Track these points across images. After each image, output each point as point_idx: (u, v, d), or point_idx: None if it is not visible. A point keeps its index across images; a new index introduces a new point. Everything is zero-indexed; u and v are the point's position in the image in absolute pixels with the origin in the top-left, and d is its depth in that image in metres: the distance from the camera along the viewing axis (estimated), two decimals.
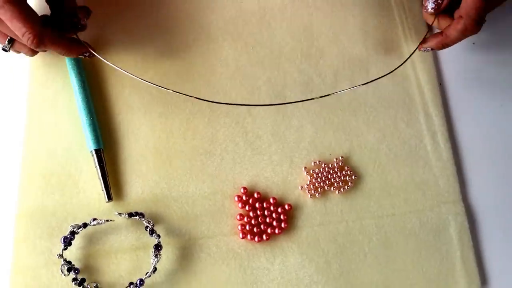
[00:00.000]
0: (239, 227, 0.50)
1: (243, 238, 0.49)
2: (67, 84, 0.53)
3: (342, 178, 0.52)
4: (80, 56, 0.51)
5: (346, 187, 0.51)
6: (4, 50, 0.49)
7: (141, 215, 0.48)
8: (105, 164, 0.50)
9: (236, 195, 0.51)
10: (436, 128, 0.54)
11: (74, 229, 0.47)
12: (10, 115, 0.53)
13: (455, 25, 0.49)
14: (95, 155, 0.50)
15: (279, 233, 0.50)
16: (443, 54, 0.58)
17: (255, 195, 0.51)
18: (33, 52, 0.50)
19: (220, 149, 0.52)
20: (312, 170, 0.52)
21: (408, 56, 0.53)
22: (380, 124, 0.54)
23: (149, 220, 0.48)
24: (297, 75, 0.55)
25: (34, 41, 0.45)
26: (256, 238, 0.49)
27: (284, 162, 0.52)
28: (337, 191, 0.51)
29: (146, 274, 0.47)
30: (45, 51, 0.50)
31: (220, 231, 0.50)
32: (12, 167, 0.51)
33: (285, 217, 0.50)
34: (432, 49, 0.53)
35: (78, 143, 0.51)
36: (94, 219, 0.47)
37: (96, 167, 0.50)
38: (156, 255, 0.47)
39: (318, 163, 0.52)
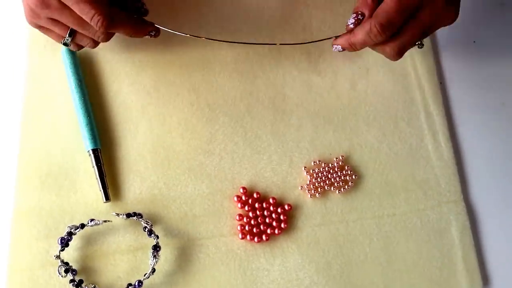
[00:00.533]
0: (239, 228, 0.49)
1: (242, 238, 0.49)
2: (64, 83, 0.52)
3: (342, 177, 0.51)
4: (146, 36, 0.49)
5: (346, 186, 0.51)
6: (65, 44, 0.47)
7: (139, 215, 0.48)
8: (103, 164, 0.49)
9: (235, 195, 0.50)
10: (437, 127, 0.54)
11: (72, 230, 0.46)
12: (6, 114, 0.52)
13: (363, 24, 0.46)
14: (92, 155, 0.49)
15: (279, 233, 0.49)
16: (444, 52, 0.57)
17: (255, 195, 0.50)
18: (95, 43, 0.48)
19: (219, 148, 0.52)
20: (312, 170, 0.51)
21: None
22: (380, 123, 0.54)
23: (147, 220, 0.48)
24: (296, 73, 0.55)
25: (104, 23, 0.43)
26: (255, 239, 0.49)
27: (284, 162, 0.52)
28: (337, 191, 0.51)
29: (144, 275, 0.46)
30: (110, 37, 0.48)
31: (219, 231, 0.49)
32: (8, 167, 0.50)
33: (285, 217, 0.50)
34: (343, 49, 0.48)
35: (75, 142, 0.51)
36: (92, 220, 0.47)
37: (93, 167, 0.49)
38: (154, 256, 0.46)
39: (318, 162, 0.52)
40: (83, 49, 0.51)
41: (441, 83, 0.56)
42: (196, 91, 0.53)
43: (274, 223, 0.49)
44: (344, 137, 0.53)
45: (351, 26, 0.47)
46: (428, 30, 0.46)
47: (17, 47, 0.54)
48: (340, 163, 0.52)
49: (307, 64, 0.55)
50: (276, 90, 0.54)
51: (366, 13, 0.46)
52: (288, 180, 0.51)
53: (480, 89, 0.56)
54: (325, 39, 0.50)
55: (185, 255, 0.48)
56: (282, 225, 0.49)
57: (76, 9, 0.43)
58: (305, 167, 0.51)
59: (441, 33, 0.58)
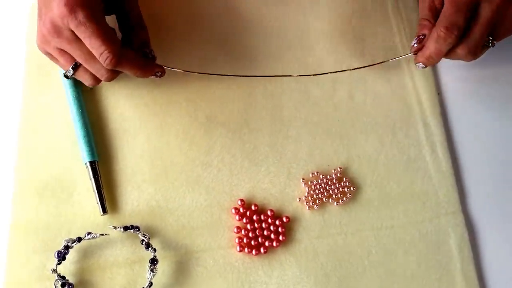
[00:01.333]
0: (237, 240, 0.49)
1: (240, 251, 0.49)
2: (62, 95, 0.52)
3: (341, 189, 0.51)
4: (152, 76, 0.49)
5: (344, 198, 0.51)
6: (65, 76, 0.47)
7: (136, 228, 0.48)
8: (100, 177, 0.49)
9: (233, 208, 0.50)
10: (435, 138, 0.54)
11: (68, 243, 0.46)
12: (3, 126, 0.52)
13: (431, 35, 0.48)
14: (89, 168, 0.49)
15: (277, 246, 0.49)
16: (441, 63, 0.57)
17: (253, 207, 0.50)
18: (95, 82, 0.48)
19: (217, 160, 0.52)
20: (310, 182, 0.51)
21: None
22: (378, 134, 0.54)
23: (144, 233, 0.48)
24: (294, 85, 0.55)
25: (113, 61, 0.44)
26: (253, 251, 0.48)
27: (282, 174, 0.52)
28: (335, 203, 0.51)
29: None
30: (114, 77, 0.47)
31: (217, 244, 0.49)
32: (5, 179, 0.50)
33: (283, 229, 0.49)
34: (425, 66, 0.51)
35: (73, 155, 0.50)
36: (89, 233, 0.46)
37: (90, 179, 0.49)
38: (152, 270, 0.46)
39: (316, 174, 0.52)
40: None
41: (439, 94, 0.56)
42: (194, 102, 0.53)
43: (272, 236, 0.49)
44: (342, 148, 0.53)
45: (415, 45, 0.51)
46: (497, 28, 0.49)
47: (15, 59, 0.54)
48: (338, 175, 0.52)
49: (307, 74, 0.55)
50: (274, 102, 0.54)
51: (427, 33, 0.50)
52: (286, 192, 0.51)
53: (478, 100, 0.56)
54: (398, 58, 0.54)
55: (182, 268, 0.48)
56: (280, 238, 0.49)
57: (87, 42, 0.43)
58: (303, 179, 0.51)
59: None
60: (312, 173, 0.52)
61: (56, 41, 0.45)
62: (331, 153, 0.53)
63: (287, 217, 0.50)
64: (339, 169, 0.52)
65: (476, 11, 0.48)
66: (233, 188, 0.51)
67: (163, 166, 0.51)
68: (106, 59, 0.44)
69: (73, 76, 0.48)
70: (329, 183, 0.51)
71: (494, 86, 0.57)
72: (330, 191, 0.51)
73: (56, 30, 0.44)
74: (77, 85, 0.52)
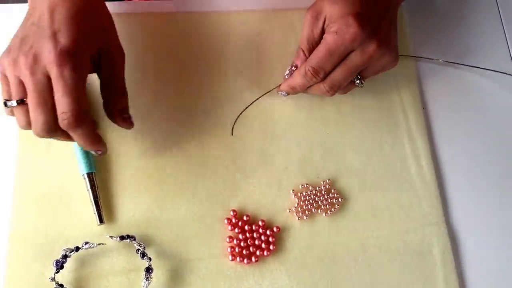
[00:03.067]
0: (229, 249, 0.51)
1: (232, 260, 0.50)
2: None
3: (329, 200, 0.53)
4: (92, 152, 0.48)
5: (332, 209, 0.53)
6: (4, 103, 0.44)
7: (132, 238, 0.49)
8: (97, 188, 0.51)
9: (225, 218, 0.52)
10: (420, 151, 0.56)
11: (67, 253, 0.48)
12: (3, 137, 0.53)
13: (299, 69, 0.50)
14: (87, 179, 0.51)
15: (267, 255, 0.51)
16: (427, 78, 0.60)
17: (245, 218, 0.52)
18: (25, 126, 0.44)
19: (210, 172, 0.53)
20: (300, 193, 0.53)
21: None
22: (365, 147, 0.56)
23: (140, 243, 0.49)
24: (285, 99, 0.57)
25: (71, 124, 0.42)
26: (245, 260, 0.50)
27: (273, 185, 0.54)
28: (324, 214, 0.53)
29: None
30: (50, 136, 0.44)
31: (210, 253, 0.51)
32: (4, 190, 0.51)
33: (274, 239, 0.51)
34: (287, 93, 0.53)
35: (71, 166, 0.52)
36: (86, 243, 0.48)
37: (88, 190, 0.51)
38: (147, 278, 0.48)
39: (305, 186, 0.54)
40: None
41: (424, 108, 0.58)
42: (188, 114, 0.55)
43: (263, 245, 0.51)
44: (330, 161, 0.55)
45: (287, 77, 0.52)
46: (365, 72, 0.51)
47: None
48: (327, 186, 0.54)
49: None
50: (265, 115, 0.56)
51: (299, 65, 0.51)
52: (277, 202, 0.53)
53: (461, 114, 0.59)
54: (271, 90, 0.54)
55: (176, 277, 0.50)
56: (271, 247, 0.51)
57: (58, 96, 0.41)
58: (293, 190, 0.53)
59: (424, 59, 0.60)
60: (302, 185, 0.54)
61: (23, 73, 0.42)
62: (320, 165, 0.55)
63: (277, 227, 0.52)
64: (327, 181, 0.54)
65: (347, 55, 0.48)
66: (225, 199, 0.53)
67: (158, 177, 0.53)
68: (66, 119, 0.42)
69: (9, 108, 0.44)
70: (318, 194, 0.53)
71: (477, 101, 0.59)
72: (319, 202, 0.53)
73: (33, 66, 0.42)
74: None
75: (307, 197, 0.53)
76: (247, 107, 0.53)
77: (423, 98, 0.59)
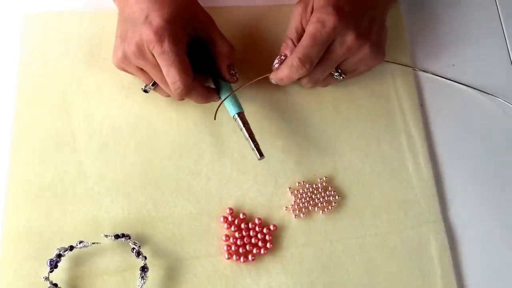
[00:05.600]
0: (225, 248, 0.50)
1: (228, 258, 0.50)
2: (53, 104, 0.53)
3: (326, 198, 0.53)
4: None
5: (330, 207, 0.52)
6: (144, 91, 0.52)
7: (127, 236, 0.49)
8: (249, 125, 0.51)
9: (222, 216, 0.51)
10: (417, 148, 0.56)
11: (61, 252, 0.47)
12: None
13: (286, 61, 0.50)
14: (238, 119, 0.51)
15: (264, 253, 0.50)
16: (424, 75, 0.59)
17: (241, 216, 0.51)
18: (169, 97, 0.53)
19: (206, 169, 0.53)
20: (297, 191, 0.53)
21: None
22: (363, 144, 0.55)
23: (135, 241, 0.49)
24: (282, 96, 0.56)
25: (182, 92, 0.48)
26: (241, 259, 0.50)
27: (269, 183, 0.53)
28: (321, 211, 0.52)
29: None
30: (183, 98, 0.52)
31: (206, 251, 0.50)
32: None
33: (270, 237, 0.51)
34: (277, 83, 0.53)
35: (65, 163, 0.51)
36: (81, 242, 0.47)
37: (241, 129, 0.50)
38: (142, 277, 0.47)
39: (302, 183, 0.53)
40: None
41: (421, 105, 0.58)
42: (184, 112, 0.55)
43: (259, 243, 0.51)
44: (327, 158, 0.55)
45: (276, 66, 0.52)
46: (344, 64, 0.52)
47: (8, 69, 0.55)
48: (324, 184, 0.53)
49: (293, 87, 0.57)
50: (262, 112, 0.56)
51: (288, 54, 0.51)
52: (274, 200, 0.53)
53: (459, 112, 0.58)
54: (260, 78, 0.53)
55: (172, 276, 0.49)
56: (268, 245, 0.51)
57: (165, 70, 0.47)
58: (290, 188, 0.53)
59: (421, 56, 0.60)
60: (299, 183, 0.53)
61: (138, 62, 0.48)
62: (317, 163, 0.54)
63: (274, 225, 0.51)
64: (324, 179, 0.53)
65: (328, 47, 0.49)
66: (222, 197, 0.52)
67: (153, 175, 0.52)
68: (177, 89, 0.48)
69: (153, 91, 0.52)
70: (315, 192, 0.53)
71: (474, 98, 0.59)
72: (316, 200, 0.52)
73: (141, 53, 0.47)
74: None
75: (304, 195, 0.53)
76: (234, 91, 0.52)
77: (421, 95, 0.59)
